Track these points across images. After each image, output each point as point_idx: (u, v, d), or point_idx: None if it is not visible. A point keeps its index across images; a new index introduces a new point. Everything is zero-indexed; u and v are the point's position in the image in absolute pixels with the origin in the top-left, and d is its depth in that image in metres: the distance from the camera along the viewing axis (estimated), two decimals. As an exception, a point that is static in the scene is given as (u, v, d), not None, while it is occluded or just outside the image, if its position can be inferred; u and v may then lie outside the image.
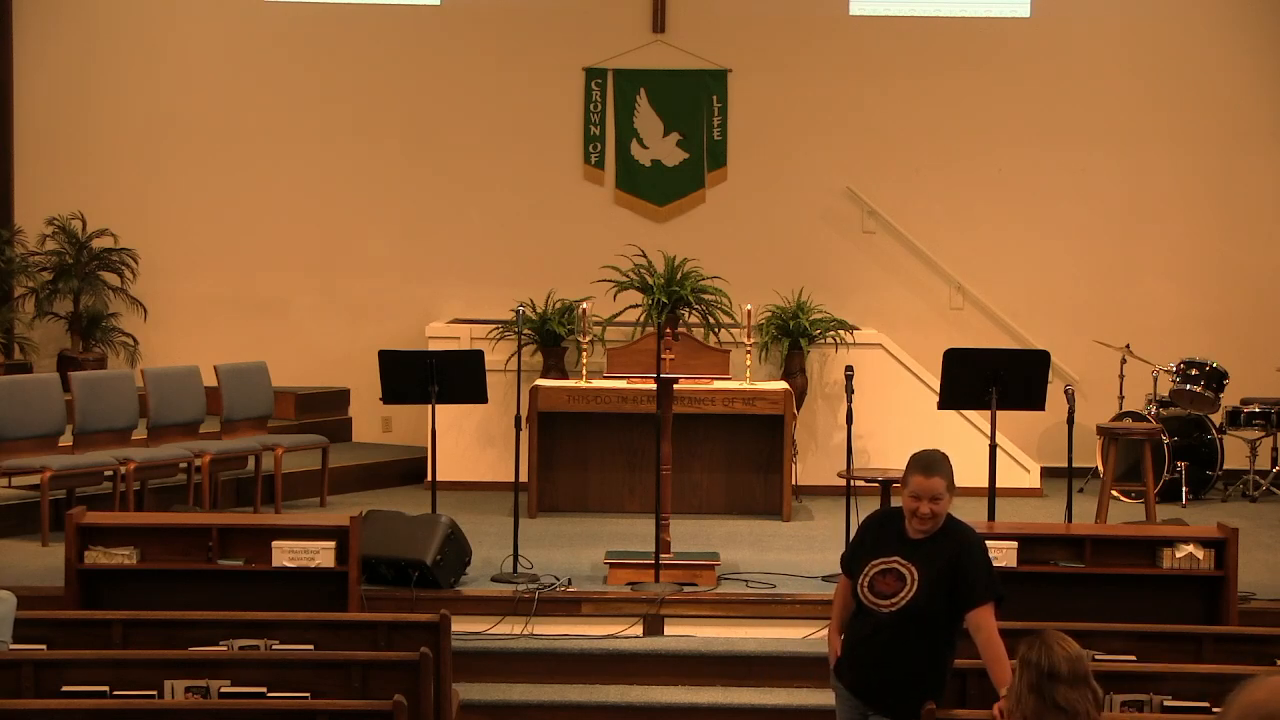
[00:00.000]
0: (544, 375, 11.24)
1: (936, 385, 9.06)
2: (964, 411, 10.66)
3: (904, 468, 5.48)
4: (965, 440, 10.63)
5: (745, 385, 10.56)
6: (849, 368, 9.11)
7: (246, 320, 12.76)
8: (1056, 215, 12.77)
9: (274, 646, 6.37)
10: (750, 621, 8.00)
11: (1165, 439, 11.04)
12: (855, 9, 12.85)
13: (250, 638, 6.40)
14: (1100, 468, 10.57)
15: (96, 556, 7.45)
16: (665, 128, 12.80)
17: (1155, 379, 11.51)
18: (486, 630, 7.85)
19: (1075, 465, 8.72)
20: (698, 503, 10.67)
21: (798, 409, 10.90)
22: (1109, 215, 12.79)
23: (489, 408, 10.57)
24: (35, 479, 9.13)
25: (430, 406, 8.85)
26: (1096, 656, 6.18)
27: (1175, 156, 12.77)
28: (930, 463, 5.38)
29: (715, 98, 12.77)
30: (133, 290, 12.75)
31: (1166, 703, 5.81)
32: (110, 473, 9.32)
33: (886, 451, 10.71)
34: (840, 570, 5.68)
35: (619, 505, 10.64)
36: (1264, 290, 12.73)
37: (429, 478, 9.47)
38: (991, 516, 8.42)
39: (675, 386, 9.07)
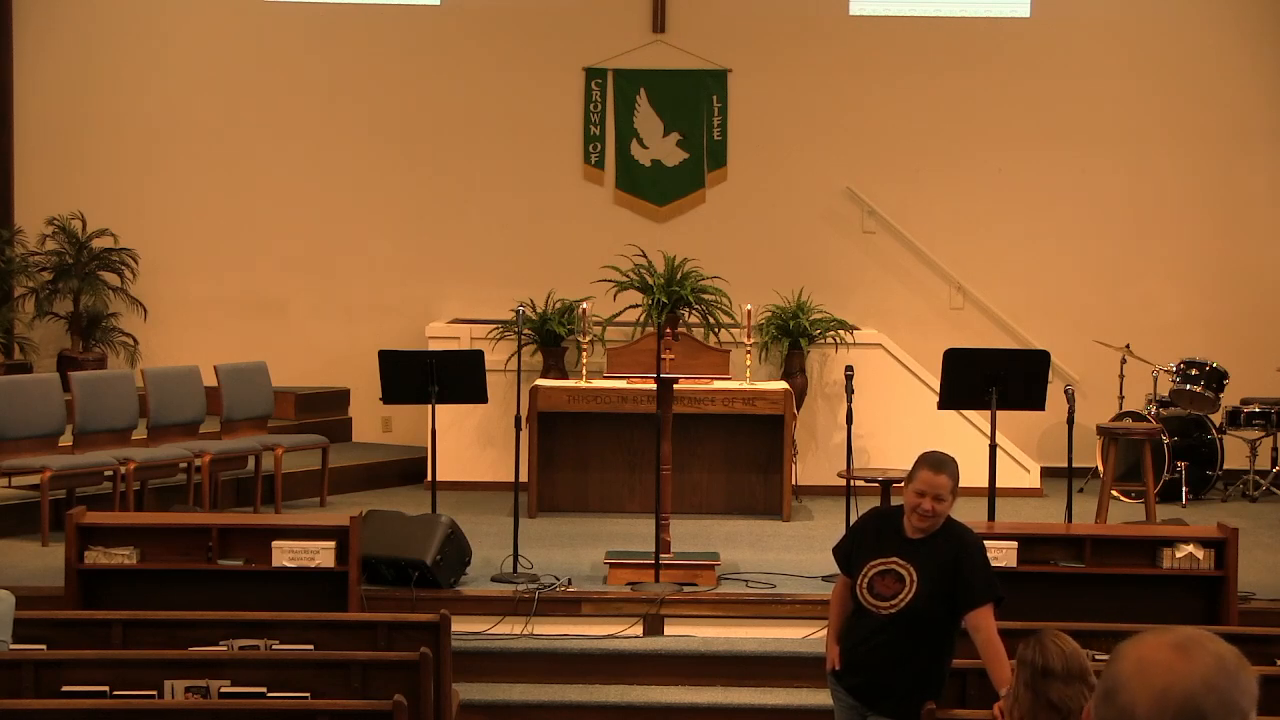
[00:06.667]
0: (544, 375, 11.24)
1: (936, 385, 9.07)
2: (964, 411, 10.66)
3: (905, 468, 5.49)
4: (965, 440, 10.61)
5: (745, 385, 10.56)
6: (849, 368, 9.12)
7: (246, 320, 12.76)
8: (1056, 215, 12.77)
9: (274, 646, 6.37)
10: (750, 621, 8.00)
11: (1165, 439, 11.04)
12: (855, 9, 12.84)
13: (250, 638, 6.41)
14: (1100, 468, 10.57)
15: (96, 556, 7.44)
16: (665, 128, 12.79)
17: (1155, 379, 11.51)
18: (486, 630, 7.85)
19: (1075, 465, 8.72)
20: (698, 503, 10.67)
21: (798, 409, 10.90)
22: (1109, 215, 12.78)
23: (489, 408, 10.57)
24: (35, 479, 9.12)
25: (430, 406, 8.85)
26: (1097, 656, 6.17)
27: (1175, 156, 12.76)
28: (940, 461, 5.40)
29: (715, 98, 12.76)
30: (133, 290, 12.74)
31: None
32: (110, 473, 9.31)
33: (886, 451, 10.71)
34: (837, 567, 5.68)
35: (619, 505, 10.63)
36: (1264, 290, 12.72)
37: (429, 478, 9.47)
38: (991, 516, 8.42)
39: (675, 386, 9.07)
